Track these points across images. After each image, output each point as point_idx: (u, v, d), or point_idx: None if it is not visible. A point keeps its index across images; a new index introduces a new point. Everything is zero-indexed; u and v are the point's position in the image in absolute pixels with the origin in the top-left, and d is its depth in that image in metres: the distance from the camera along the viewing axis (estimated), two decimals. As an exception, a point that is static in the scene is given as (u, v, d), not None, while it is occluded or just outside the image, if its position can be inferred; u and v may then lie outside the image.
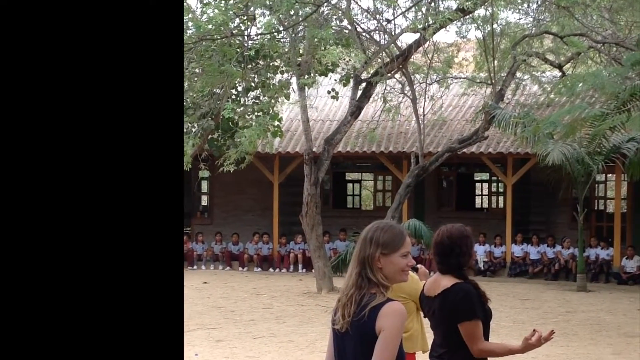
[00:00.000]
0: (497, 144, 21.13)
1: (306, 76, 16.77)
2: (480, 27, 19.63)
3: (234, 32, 16.10)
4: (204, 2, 15.64)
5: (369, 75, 18.16)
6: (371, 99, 19.13)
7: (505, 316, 14.32)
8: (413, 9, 18.10)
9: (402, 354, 3.56)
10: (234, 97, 17.79)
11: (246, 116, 17.38)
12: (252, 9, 16.45)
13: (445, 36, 70.29)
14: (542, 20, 20.21)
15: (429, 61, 20.35)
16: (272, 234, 22.77)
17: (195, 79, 17.02)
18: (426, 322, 5.97)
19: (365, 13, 18.54)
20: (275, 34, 16.57)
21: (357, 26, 17.91)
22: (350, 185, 27.17)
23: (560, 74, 20.05)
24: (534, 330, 4.55)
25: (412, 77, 19.69)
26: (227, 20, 15.53)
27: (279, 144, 21.85)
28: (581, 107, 17.16)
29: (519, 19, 21.92)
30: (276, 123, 17.44)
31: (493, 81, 19.57)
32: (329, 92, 18.73)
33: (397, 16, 18.29)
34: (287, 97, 18.03)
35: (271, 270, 22.52)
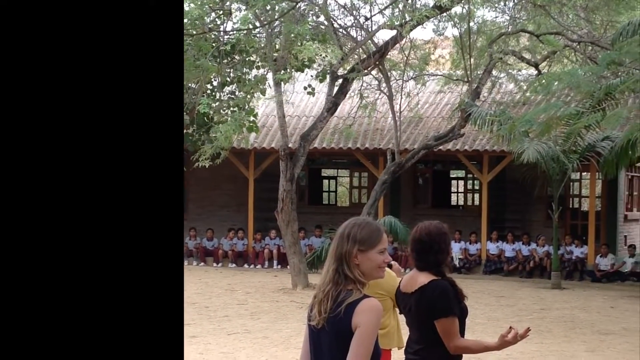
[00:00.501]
0: (473, 142, 21.16)
1: (282, 72, 16.70)
2: (457, 24, 19.63)
3: (209, 26, 16.01)
4: (180, -5, 15.52)
5: (346, 72, 18.13)
6: (347, 96, 19.10)
7: (480, 313, 14.34)
8: (390, 5, 18.08)
9: (378, 351, 3.55)
10: (209, 92, 17.70)
11: (221, 111, 17.31)
12: (228, 3, 16.36)
13: (422, 33, 70.43)
14: (518, 19, 20.25)
15: (405, 58, 20.34)
16: (247, 229, 22.70)
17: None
18: (402, 319, 5.95)
19: (342, 9, 18.51)
20: (252, 28, 16.50)
21: (333, 22, 17.87)
22: (326, 182, 27.14)
23: (536, 72, 20.11)
24: (510, 327, 4.54)
25: (389, 73, 19.68)
26: (203, 14, 15.44)
27: (255, 139, 21.78)
28: (557, 106, 17.23)
29: (496, 17, 22.03)
30: (252, 118, 17.38)
31: (469, 79, 19.60)
32: (305, 88, 18.69)
33: (375, 14, 18.29)
34: (263, 92, 17.96)
35: (246, 266, 22.45)
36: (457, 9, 18.99)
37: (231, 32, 16.55)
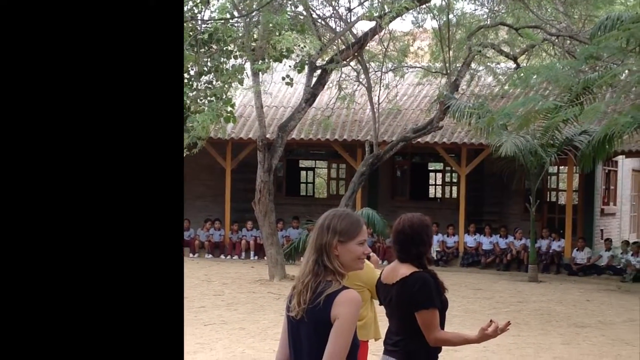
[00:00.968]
0: (452, 134, 21.16)
1: (260, 62, 16.60)
2: (436, 16, 19.61)
3: (187, 15, 15.87)
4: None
5: (324, 63, 18.05)
6: (326, 87, 19.04)
7: (458, 306, 14.34)
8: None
9: (356, 342, 3.56)
10: (186, 81, 17.56)
11: (198, 101, 17.16)
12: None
13: (401, 25, 70.65)
14: (497, 12, 20.26)
15: (384, 50, 20.30)
16: (224, 220, 22.61)
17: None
18: (379, 310, 5.91)
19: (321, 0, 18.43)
20: (230, 18, 16.37)
21: (312, 12, 17.79)
22: (303, 173, 27.08)
23: (515, 65, 20.13)
24: (490, 320, 4.53)
25: (368, 65, 19.63)
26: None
27: (232, 129, 21.68)
28: (535, 99, 17.23)
29: (475, 9, 22.05)
30: (229, 108, 17.25)
31: (448, 71, 19.59)
32: (283, 79, 18.58)
33: (356, 7, 18.23)
34: (241, 82, 17.82)
35: (222, 257, 22.38)
36: (437, 1, 19.01)
37: (209, 21, 16.41)
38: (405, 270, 4.62)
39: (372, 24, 17.72)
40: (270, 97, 22.09)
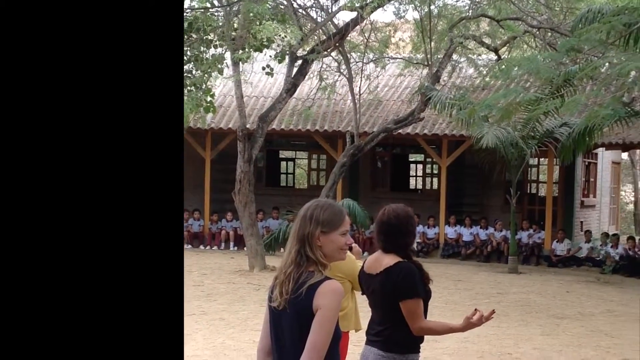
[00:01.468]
0: (433, 126, 21.15)
1: (241, 51, 16.49)
2: (417, 7, 19.56)
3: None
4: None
5: (305, 53, 17.97)
6: (307, 77, 18.97)
7: (438, 297, 14.32)
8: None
9: (338, 333, 3.55)
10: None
11: (179, 90, 17.03)
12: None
13: (382, 15, 70.61)
14: (479, 3, 20.23)
15: (365, 40, 20.25)
16: (204, 210, 22.52)
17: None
18: (360, 302, 5.87)
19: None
20: (210, 7, 16.26)
21: (293, 2, 17.70)
22: (284, 164, 27.02)
23: (496, 57, 20.13)
24: (475, 309, 4.52)
25: (349, 55, 19.57)
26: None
27: (212, 119, 21.57)
28: (516, 91, 17.18)
29: (456, 1, 22.02)
30: (209, 98, 17.14)
31: (429, 62, 19.56)
32: (263, 69, 18.46)
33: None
34: (221, 72, 17.71)
35: (202, 247, 22.30)
36: (419, -8, 18.90)
37: (188, 10, 16.30)
38: (389, 260, 4.60)
39: (354, 14, 17.66)
40: (251, 87, 21.99)
